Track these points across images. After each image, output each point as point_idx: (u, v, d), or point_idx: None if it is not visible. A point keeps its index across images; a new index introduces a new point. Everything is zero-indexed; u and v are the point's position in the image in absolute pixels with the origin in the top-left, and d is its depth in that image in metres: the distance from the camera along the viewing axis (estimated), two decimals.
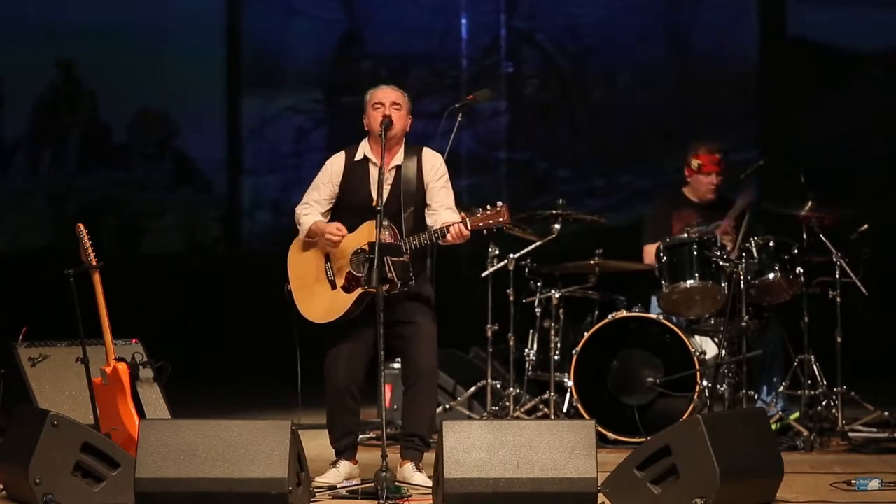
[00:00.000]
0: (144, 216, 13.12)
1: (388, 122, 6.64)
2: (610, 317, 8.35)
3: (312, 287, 6.71)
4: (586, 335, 8.30)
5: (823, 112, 12.12)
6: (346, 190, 6.77)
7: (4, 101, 12.96)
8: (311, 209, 6.77)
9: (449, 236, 6.51)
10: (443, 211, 6.70)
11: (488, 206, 6.51)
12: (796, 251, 8.28)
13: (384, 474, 6.07)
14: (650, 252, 8.68)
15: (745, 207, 8.44)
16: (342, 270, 6.66)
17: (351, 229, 6.68)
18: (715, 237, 8.33)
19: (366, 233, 6.59)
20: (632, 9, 12.51)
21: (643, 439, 7.62)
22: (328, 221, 6.74)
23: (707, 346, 8.35)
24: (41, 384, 7.65)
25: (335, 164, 6.81)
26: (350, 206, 6.75)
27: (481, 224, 6.50)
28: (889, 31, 12.14)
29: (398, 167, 6.72)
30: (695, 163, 8.69)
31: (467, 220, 6.52)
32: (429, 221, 6.68)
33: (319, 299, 6.68)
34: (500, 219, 6.48)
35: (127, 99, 12.93)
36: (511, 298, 8.59)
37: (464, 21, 12.91)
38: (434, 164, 6.78)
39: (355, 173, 6.76)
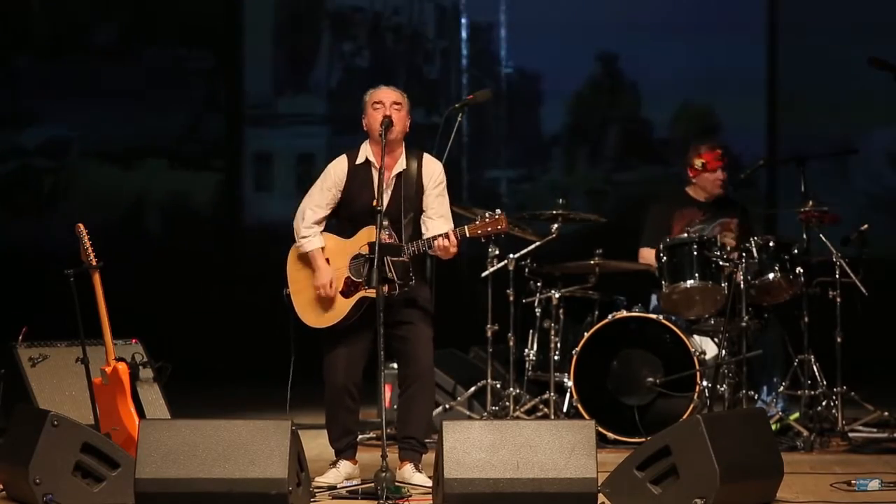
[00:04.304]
0: None
1: (388, 122, 6.62)
2: (610, 317, 8.35)
3: (311, 292, 6.70)
4: (586, 335, 8.30)
5: None
6: (349, 195, 6.75)
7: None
8: (314, 229, 6.73)
9: (430, 251, 6.53)
10: (436, 219, 6.70)
11: (487, 214, 6.53)
12: (796, 251, 8.28)
13: (384, 474, 6.07)
14: (645, 255, 8.69)
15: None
16: (341, 275, 6.66)
17: (350, 234, 6.69)
18: (715, 237, 8.34)
19: (364, 238, 6.59)
20: None
21: (643, 439, 7.62)
22: (325, 229, 6.75)
23: (707, 346, 8.35)
24: (41, 384, 7.65)
25: (338, 169, 6.78)
26: (352, 210, 6.73)
27: (479, 232, 6.52)
28: None
29: (399, 174, 6.71)
30: (698, 162, 8.71)
31: (465, 227, 6.53)
32: (422, 229, 6.68)
33: (318, 304, 6.68)
34: (499, 227, 6.49)
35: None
36: (511, 298, 8.58)
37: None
38: (434, 171, 6.77)
39: (357, 178, 6.74)
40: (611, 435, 8.12)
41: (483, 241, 6.63)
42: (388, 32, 13.19)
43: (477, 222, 6.53)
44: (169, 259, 12.68)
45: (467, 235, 6.52)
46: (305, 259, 6.74)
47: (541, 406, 8.50)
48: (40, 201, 13.12)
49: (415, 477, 6.59)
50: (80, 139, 13.15)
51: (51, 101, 13.05)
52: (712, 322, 8.38)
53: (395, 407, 8.20)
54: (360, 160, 6.76)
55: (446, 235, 6.50)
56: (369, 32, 13.18)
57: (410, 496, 6.24)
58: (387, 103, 6.68)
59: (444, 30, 13.12)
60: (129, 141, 13.09)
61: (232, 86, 13.27)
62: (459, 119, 7.77)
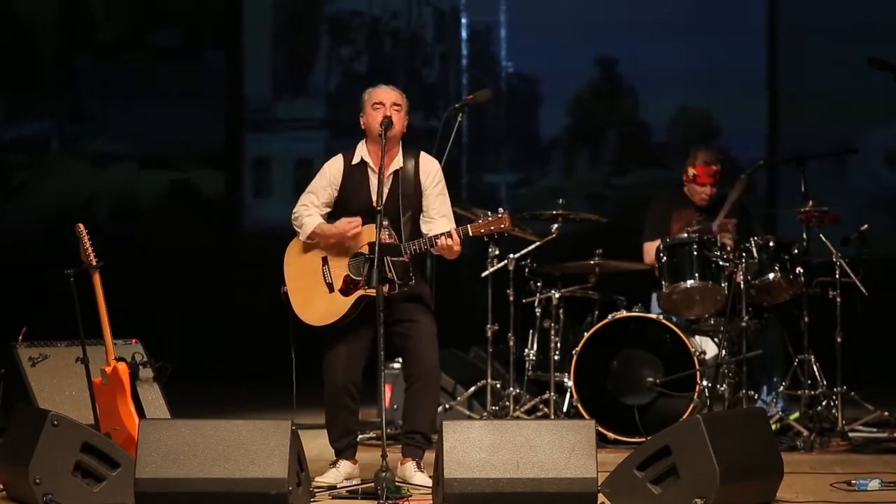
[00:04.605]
0: None
1: (388, 123, 6.61)
2: (610, 317, 8.35)
3: (309, 290, 6.69)
4: (586, 335, 8.30)
5: None
6: (345, 194, 6.74)
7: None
8: (312, 210, 6.75)
9: (433, 250, 6.53)
10: (438, 219, 6.69)
11: (489, 213, 6.52)
12: (796, 251, 8.29)
13: (384, 474, 6.06)
14: (650, 250, 8.68)
15: (738, 197, 8.49)
16: (340, 273, 6.65)
17: None
18: (715, 237, 8.34)
19: (364, 236, 6.59)
20: None
21: (643, 439, 7.62)
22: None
23: (707, 346, 8.35)
24: (41, 384, 7.65)
25: (334, 168, 6.78)
26: (349, 210, 6.72)
27: (482, 231, 6.50)
28: None
29: (396, 172, 6.71)
30: (691, 172, 8.73)
31: (468, 226, 6.52)
32: (424, 229, 6.67)
33: (316, 302, 6.67)
34: (502, 225, 6.48)
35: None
36: (511, 298, 8.59)
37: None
38: (431, 170, 6.76)
39: (353, 177, 6.73)
40: (611, 435, 8.12)
41: (486, 239, 6.62)
42: (386, 37, 13.19)
43: (480, 221, 6.52)
44: (169, 261, 12.68)
45: (470, 234, 6.50)
46: (304, 257, 6.73)
47: (541, 406, 8.50)
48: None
49: (416, 476, 6.58)
50: (61, 137, 13.19)
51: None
52: (712, 322, 8.38)
53: (396, 407, 8.23)
54: (356, 160, 6.76)
55: (449, 234, 6.49)
56: (368, 37, 13.19)
57: (410, 496, 6.23)
58: (387, 104, 6.68)
59: (442, 33, 13.13)
60: (129, 141, 13.11)
61: (232, 90, 13.28)
62: (459, 119, 7.76)
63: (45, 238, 12.54)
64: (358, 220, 6.59)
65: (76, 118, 13.21)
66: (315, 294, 6.67)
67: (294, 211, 6.78)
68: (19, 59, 13.05)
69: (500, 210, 6.54)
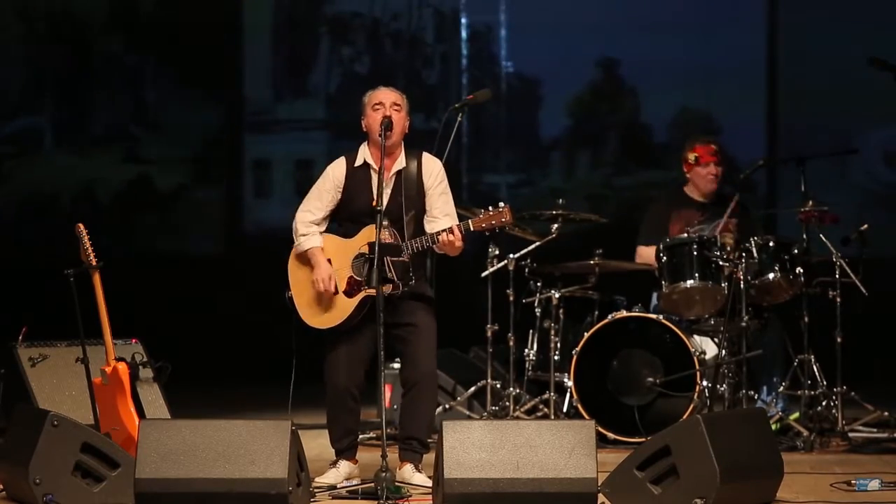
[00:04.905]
0: None
1: (388, 123, 6.62)
2: (610, 317, 8.35)
3: (313, 292, 6.69)
4: (586, 335, 8.30)
5: None
6: (348, 196, 6.75)
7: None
8: (312, 228, 6.74)
9: (436, 247, 6.52)
10: (442, 218, 6.69)
11: (490, 207, 6.52)
12: (796, 251, 8.29)
13: (384, 474, 6.06)
14: (643, 253, 8.69)
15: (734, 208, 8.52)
16: (343, 275, 6.65)
17: (352, 234, 6.68)
18: (715, 237, 8.34)
19: (366, 237, 6.59)
20: None
21: (643, 439, 7.62)
22: (327, 229, 6.75)
23: (707, 346, 8.35)
24: (41, 384, 7.65)
25: (337, 171, 6.78)
26: (351, 212, 6.73)
27: (484, 225, 6.50)
28: None
29: (399, 172, 6.71)
30: (692, 156, 8.72)
31: (469, 221, 6.51)
32: (427, 228, 6.67)
33: (322, 305, 6.67)
34: (503, 219, 6.48)
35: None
36: (511, 298, 8.59)
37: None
38: (433, 170, 6.76)
39: (356, 179, 6.74)
40: (611, 435, 8.12)
41: (487, 234, 6.60)
42: (386, 38, 13.20)
43: (481, 216, 6.52)
44: (168, 261, 12.69)
45: (472, 229, 6.50)
46: (306, 260, 6.73)
47: (541, 406, 8.50)
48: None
49: (415, 477, 6.58)
50: (54, 133, 13.21)
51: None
52: (712, 322, 8.38)
53: (395, 407, 8.22)
54: (358, 162, 6.76)
55: (450, 230, 6.49)
56: (368, 38, 13.19)
57: (410, 496, 6.23)
58: (386, 104, 6.68)
59: (443, 35, 13.14)
60: (127, 140, 13.12)
61: (232, 90, 13.28)
62: (459, 119, 7.76)
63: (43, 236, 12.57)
64: (334, 286, 6.61)
65: (68, 113, 13.23)
66: (319, 297, 6.67)
67: (296, 219, 6.77)
68: None
69: (501, 204, 6.53)
